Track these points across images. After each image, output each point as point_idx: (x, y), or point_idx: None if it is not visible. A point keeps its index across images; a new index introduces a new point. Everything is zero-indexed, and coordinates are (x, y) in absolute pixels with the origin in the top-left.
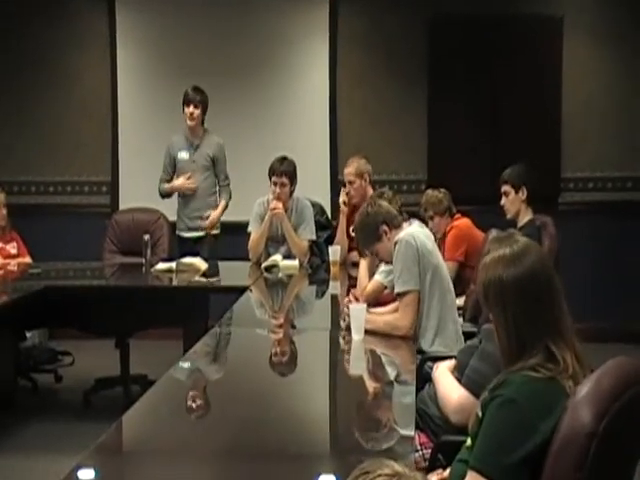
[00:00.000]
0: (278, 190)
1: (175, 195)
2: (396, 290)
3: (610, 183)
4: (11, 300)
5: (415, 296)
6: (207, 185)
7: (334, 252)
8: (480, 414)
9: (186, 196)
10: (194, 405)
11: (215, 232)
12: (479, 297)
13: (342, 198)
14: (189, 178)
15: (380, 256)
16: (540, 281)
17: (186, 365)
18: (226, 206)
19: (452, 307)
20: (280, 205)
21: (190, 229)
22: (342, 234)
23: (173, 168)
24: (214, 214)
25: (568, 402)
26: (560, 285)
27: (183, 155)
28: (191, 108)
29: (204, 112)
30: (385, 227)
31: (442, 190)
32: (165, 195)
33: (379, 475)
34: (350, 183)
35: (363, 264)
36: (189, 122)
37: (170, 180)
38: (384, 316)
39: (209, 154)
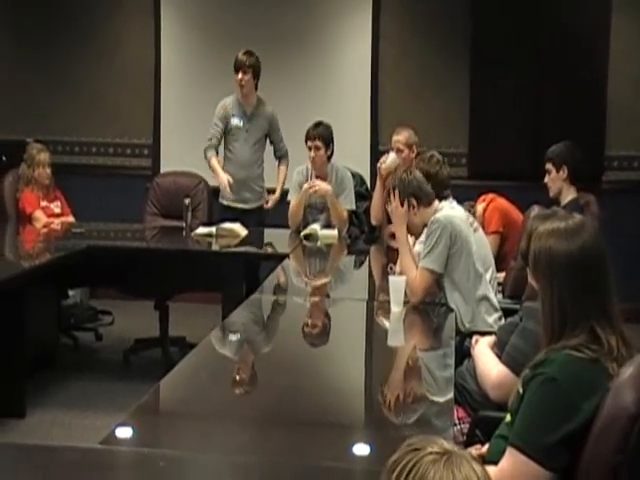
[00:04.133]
0: (312, 154)
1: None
2: (420, 264)
3: None
4: (54, 258)
5: (434, 278)
6: (257, 157)
7: None
8: (521, 390)
9: (233, 166)
10: (231, 372)
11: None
12: (530, 265)
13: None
14: (231, 188)
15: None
16: (591, 260)
17: (224, 331)
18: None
19: (485, 289)
20: (318, 185)
21: (236, 200)
22: (379, 199)
23: (224, 132)
24: (277, 192)
25: (611, 383)
26: (611, 268)
27: (236, 122)
28: (240, 74)
29: (255, 77)
30: (413, 201)
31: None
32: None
33: (430, 453)
34: (399, 151)
35: None
36: (240, 89)
37: (220, 141)
38: (412, 271)
39: (263, 125)
